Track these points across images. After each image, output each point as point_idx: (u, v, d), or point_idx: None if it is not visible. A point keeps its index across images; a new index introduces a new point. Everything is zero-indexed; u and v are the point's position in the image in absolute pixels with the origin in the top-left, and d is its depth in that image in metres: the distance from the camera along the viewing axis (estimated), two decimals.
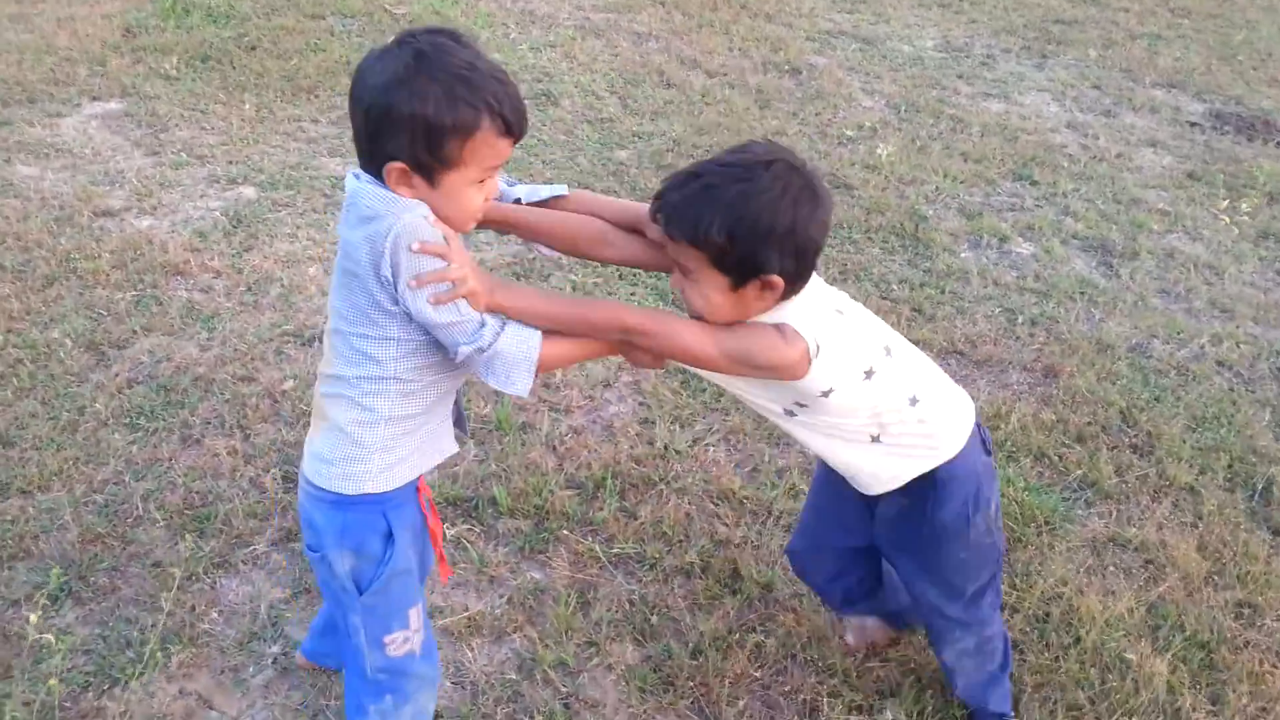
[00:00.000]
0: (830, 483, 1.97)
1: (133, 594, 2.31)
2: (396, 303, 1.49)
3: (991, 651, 2.06)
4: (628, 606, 2.39)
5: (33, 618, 1.99)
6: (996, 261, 3.95)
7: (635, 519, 2.60)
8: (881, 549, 2.05)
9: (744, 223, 1.52)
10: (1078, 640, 2.36)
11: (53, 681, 2.01)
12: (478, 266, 1.53)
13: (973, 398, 3.07)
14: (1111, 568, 2.58)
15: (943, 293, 3.69)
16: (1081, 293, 3.76)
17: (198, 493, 2.58)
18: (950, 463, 1.82)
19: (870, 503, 1.93)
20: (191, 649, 2.19)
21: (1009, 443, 2.95)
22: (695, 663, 2.26)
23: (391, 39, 1.47)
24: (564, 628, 2.31)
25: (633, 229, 1.74)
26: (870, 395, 1.72)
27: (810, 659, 2.29)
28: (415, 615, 1.74)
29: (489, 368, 1.53)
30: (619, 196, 4.09)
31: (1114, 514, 2.75)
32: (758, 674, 2.25)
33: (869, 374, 1.70)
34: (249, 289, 3.38)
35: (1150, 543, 2.64)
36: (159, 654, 2.16)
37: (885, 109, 5.26)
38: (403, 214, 1.45)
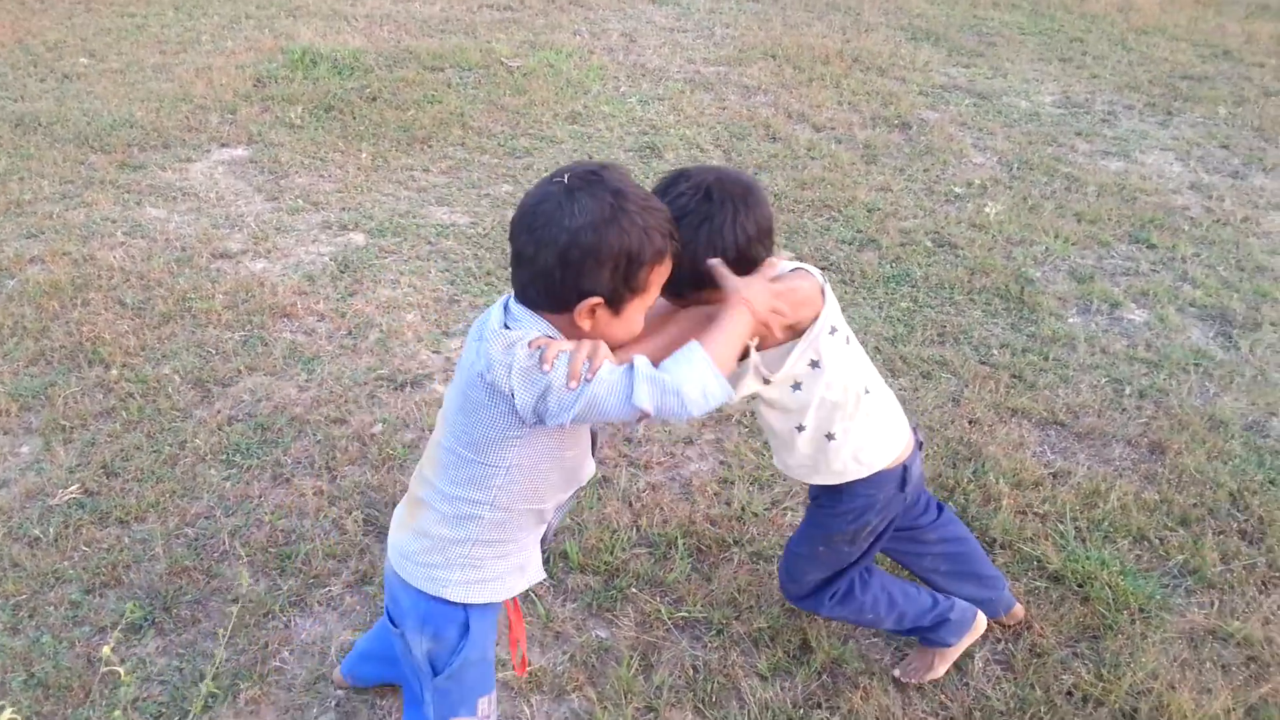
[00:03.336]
0: None
1: (210, 628, 2.39)
2: (524, 424, 1.53)
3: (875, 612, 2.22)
4: (691, 672, 2.35)
5: (106, 650, 2.07)
6: (1106, 328, 3.79)
7: (706, 582, 2.57)
8: None
9: (731, 247, 1.70)
10: None
11: (117, 713, 2.08)
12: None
13: (1070, 473, 3.00)
14: (1209, 663, 2.41)
15: (1046, 359, 3.56)
16: (1196, 364, 3.57)
17: (282, 531, 2.67)
18: (857, 481, 1.99)
19: None
20: (260, 686, 2.25)
21: (1106, 522, 2.81)
22: None
23: (558, 178, 1.52)
24: (624, 690, 2.28)
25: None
26: (846, 365, 1.87)
27: None
28: (485, 704, 1.79)
29: (680, 399, 1.51)
30: None
31: (1216, 605, 2.58)
32: None
33: (848, 340, 1.87)
34: (349, 333, 3.50)
35: (1255, 638, 2.47)
36: (229, 689, 2.23)
37: (997, 166, 5.14)
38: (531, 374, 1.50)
